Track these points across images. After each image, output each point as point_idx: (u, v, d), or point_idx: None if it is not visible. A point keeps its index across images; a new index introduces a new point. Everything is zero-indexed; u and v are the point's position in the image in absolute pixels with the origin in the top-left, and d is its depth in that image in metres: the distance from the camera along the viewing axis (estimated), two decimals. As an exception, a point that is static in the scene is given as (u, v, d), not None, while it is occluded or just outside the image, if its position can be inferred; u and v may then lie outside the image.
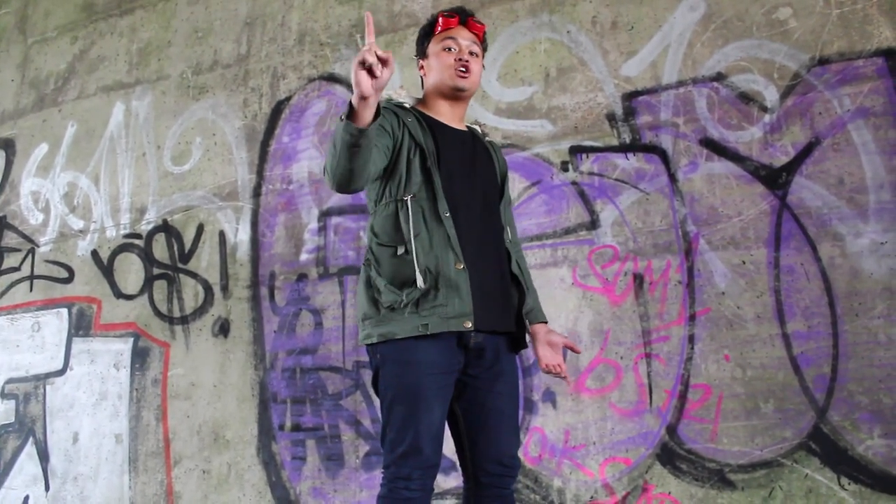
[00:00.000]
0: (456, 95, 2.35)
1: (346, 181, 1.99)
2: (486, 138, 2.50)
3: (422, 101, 2.42)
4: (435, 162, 2.21)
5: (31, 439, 4.59)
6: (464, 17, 2.38)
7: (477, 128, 2.50)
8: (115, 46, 5.02)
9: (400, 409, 2.08)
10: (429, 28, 2.41)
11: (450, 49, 2.33)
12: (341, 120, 1.88)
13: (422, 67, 2.42)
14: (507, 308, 2.26)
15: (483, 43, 2.43)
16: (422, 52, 2.43)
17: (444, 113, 2.37)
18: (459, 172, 2.26)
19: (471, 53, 2.34)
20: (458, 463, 2.29)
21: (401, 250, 2.13)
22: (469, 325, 2.09)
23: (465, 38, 2.35)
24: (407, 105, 2.34)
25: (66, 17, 5.28)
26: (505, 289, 2.27)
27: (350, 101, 1.86)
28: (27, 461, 4.56)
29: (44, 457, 4.51)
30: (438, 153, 2.24)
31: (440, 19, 2.37)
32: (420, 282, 2.08)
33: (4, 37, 5.50)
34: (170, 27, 4.86)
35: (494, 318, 2.19)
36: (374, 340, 2.13)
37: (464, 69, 2.31)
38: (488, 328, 2.17)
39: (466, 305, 2.10)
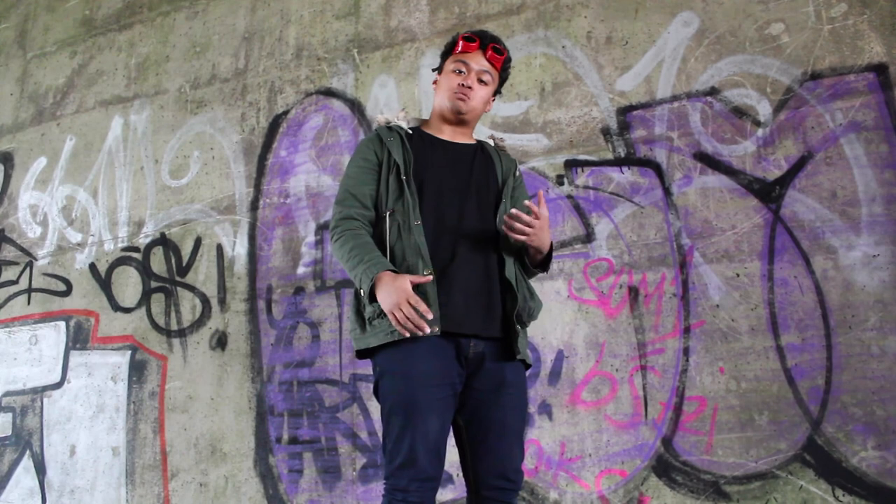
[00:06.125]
0: (455, 118, 2.38)
1: None
2: (501, 150, 2.49)
3: (427, 120, 2.47)
4: (410, 173, 2.25)
5: (27, 452, 4.59)
6: (484, 43, 2.38)
7: (490, 141, 2.51)
8: (113, 61, 5.05)
9: (396, 420, 2.10)
10: (450, 46, 2.43)
11: (459, 72, 2.36)
12: (362, 288, 2.13)
13: (435, 82, 2.46)
14: (490, 314, 2.22)
15: (502, 73, 2.43)
16: (439, 69, 2.47)
17: (446, 131, 2.41)
18: (447, 183, 2.29)
19: (480, 81, 2.36)
20: (454, 475, 2.29)
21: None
22: (436, 329, 2.10)
23: (478, 64, 2.36)
24: (402, 126, 2.38)
25: (65, 32, 5.31)
26: (490, 295, 2.23)
27: (373, 284, 2.09)
28: (24, 474, 4.56)
29: (41, 470, 4.51)
30: (425, 165, 2.28)
31: (460, 41, 2.38)
32: None
33: (4, 51, 5.53)
34: (168, 42, 4.89)
35: (475, 323, 2.18)
36: (358, 347, 2.21)
37: (463, 94, 2.33)
38: (468, 332, 2.17)
39: (433, 309, 2.11)
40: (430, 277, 2.09)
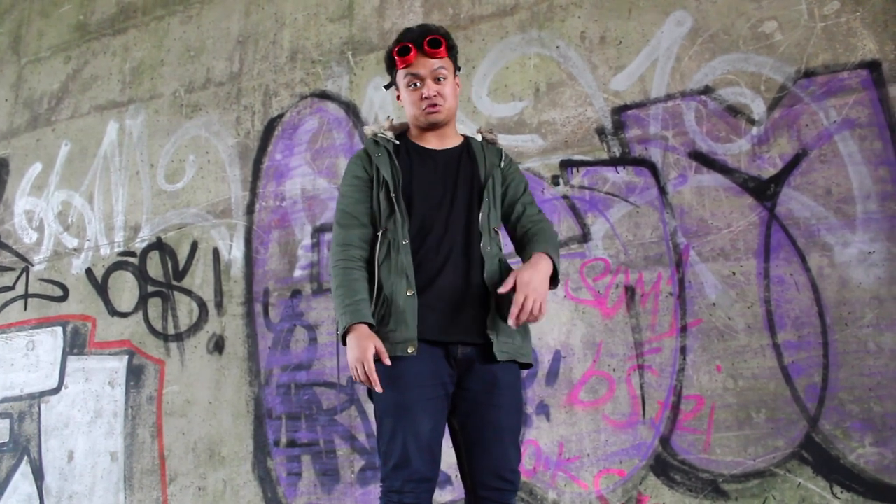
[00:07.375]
0: (434, 128, 2.35)
1: None
2: (490, 143, 2.44)
3: (409, 128, 2.43)
4: (400, 190, 2.25)
5: (25, 458, 4.58)
6: (419, 45, 2.26)
7: (478, 136, 2.46)
8: (108, 66, 5.04)
9: (388, 422, 2.12)
10: (390, 61, 2.34)
11: (414, 85, 2.29)
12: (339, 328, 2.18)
13: (398, 97, 2.39)
14: (476, 321, 2.20)
15: (451, 52, 2.33)
16: (394, 83, 2.40)
17: (430, 139, 2.38)
18: (434, 195, 2.28)
19: (438, 80, 2.28)
20: (452, 476, 2.29)
21: (375, 281, 2.21)
22: (412, 350, 2.11)
23: (426, 67, 2.27)
24: (388, 137, 2.36)
25: (59, 38, 5.31)
26: (474, 302, 2.20)
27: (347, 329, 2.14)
28: (22, 480, 4.55)
29: (39, 476, 4.50)
30: (411, 180, 2.27)
31: (395, 58, 2.29)
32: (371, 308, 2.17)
33: (-2, 57, 5.54)
34: (162, 46, 4.89)
35: (459, 331, 2.18)
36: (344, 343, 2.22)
37: (433, 106, 2.28)
38: (453, 340, 2.17)
39: (411, 331, 2.13)
40: (389, 362, 2.09)
